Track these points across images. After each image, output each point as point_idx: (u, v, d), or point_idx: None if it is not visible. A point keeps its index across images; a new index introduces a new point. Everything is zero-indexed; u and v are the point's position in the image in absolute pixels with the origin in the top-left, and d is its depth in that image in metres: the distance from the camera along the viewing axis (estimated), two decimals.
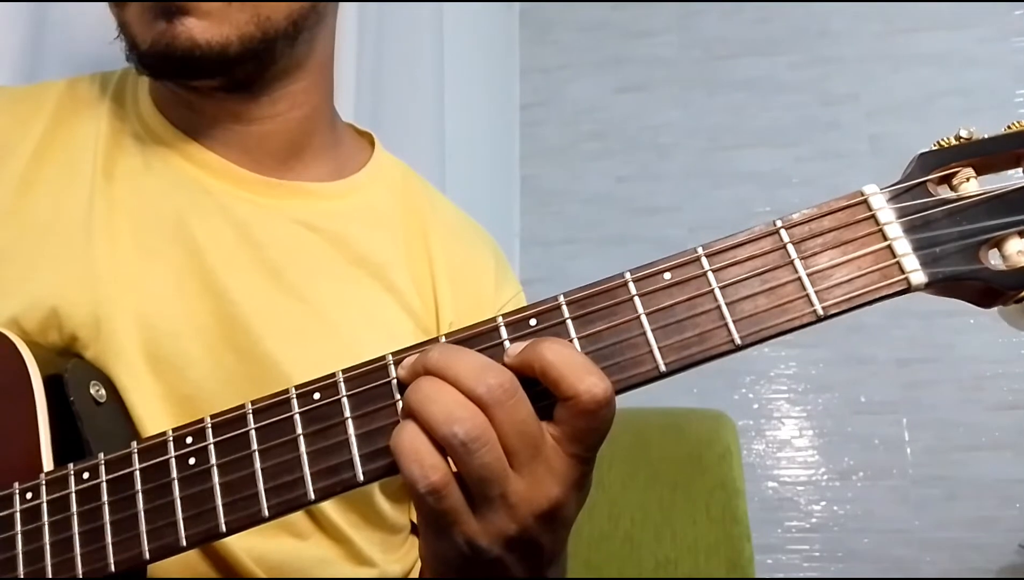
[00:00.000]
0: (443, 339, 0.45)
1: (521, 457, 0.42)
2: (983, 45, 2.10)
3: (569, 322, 0.44)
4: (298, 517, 0.63)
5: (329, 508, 0.63)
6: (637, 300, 0.43)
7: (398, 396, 0.44)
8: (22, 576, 0.47)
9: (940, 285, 0.42)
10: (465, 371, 0.41)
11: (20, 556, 0.48)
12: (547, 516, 0.43)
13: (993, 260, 0.42)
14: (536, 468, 0.42)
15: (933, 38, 2.13)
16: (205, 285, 0.63)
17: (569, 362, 0.41)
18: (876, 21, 2.18)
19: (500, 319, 0.44)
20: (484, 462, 0.41)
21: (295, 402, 0.45)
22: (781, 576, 1.99)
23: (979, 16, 2.11)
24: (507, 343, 0.44)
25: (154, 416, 0.59)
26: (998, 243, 0.42)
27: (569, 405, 0.41)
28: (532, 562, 0.46)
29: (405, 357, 0.44)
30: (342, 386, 0.45)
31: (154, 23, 0.60)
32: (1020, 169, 0.42)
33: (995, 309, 0.44)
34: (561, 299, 0.44)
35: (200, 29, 0.59)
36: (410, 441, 0.41)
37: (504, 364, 0.43)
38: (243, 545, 0.59)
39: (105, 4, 0.64)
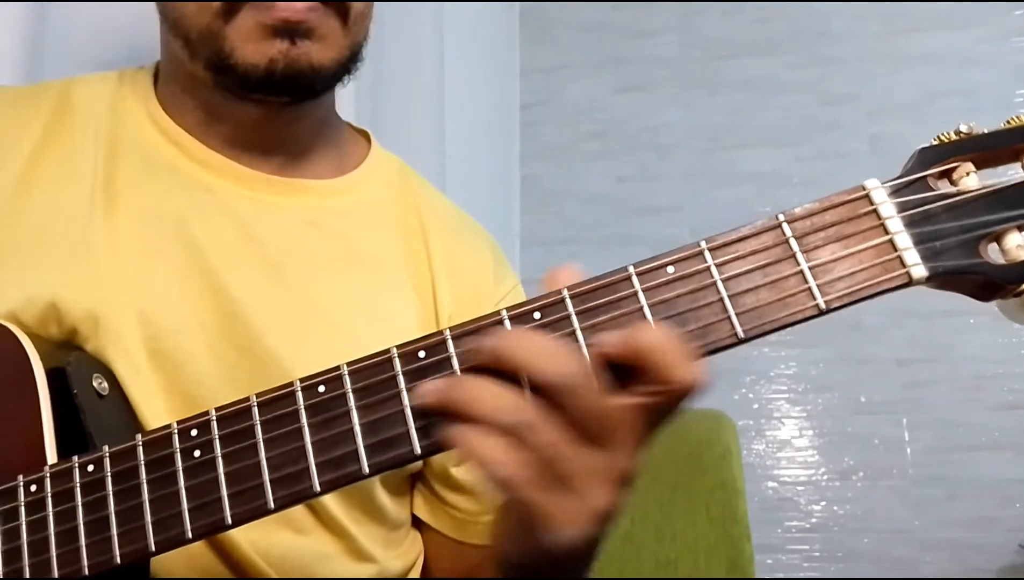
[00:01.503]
0: (448, 333, 0.44)
1: (593, 436, 0.41)
2: (983, 45, 2.10)
3: (573, 316, 0.44)
4: (299, 512, 0.63)
5: (330, 503, 0.64)
6: (640, 294, 0.43)
7: (403, 388, 0.44)
8: (27, 567, 0.47)
9: (940, 279, 0.42)
10: (534, 357, 0.41)
11: (25, 547, 0.48)
12: (624, 488, 0.43)
13: (993, 254, 0.42)
14: (613, 440, 0.41)
15: (933, 38, 2.13)
16: (206, 282, 0.63)
17: (671, 348, 0.41)
18: (876, 21, 2.18)
19: (504, 313, 0.44)
20: (550, 440, 0.40)
21: (300, 395, 0.45)
22: (781, 576, 1.99)
23: (979, 16, 2.10)
24: None
25: (155, 410, 0.59)
26: (997, 237, 0.42)
27: (666, 390, 0.41)
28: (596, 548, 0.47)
29: (411, 349, 0.44)
30: (347, 379, 0.45)
31: (271, 42, 0.60)
32: (1019, 164, 0.43)
33: (994, 303, 0.44)
34: (565, 293, 0.44)
35: (316, 51, 0.61)
36: (491, 449, 0.40)
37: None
38: (247, 538, 0.59)
39: (106, 5, 0.63)
